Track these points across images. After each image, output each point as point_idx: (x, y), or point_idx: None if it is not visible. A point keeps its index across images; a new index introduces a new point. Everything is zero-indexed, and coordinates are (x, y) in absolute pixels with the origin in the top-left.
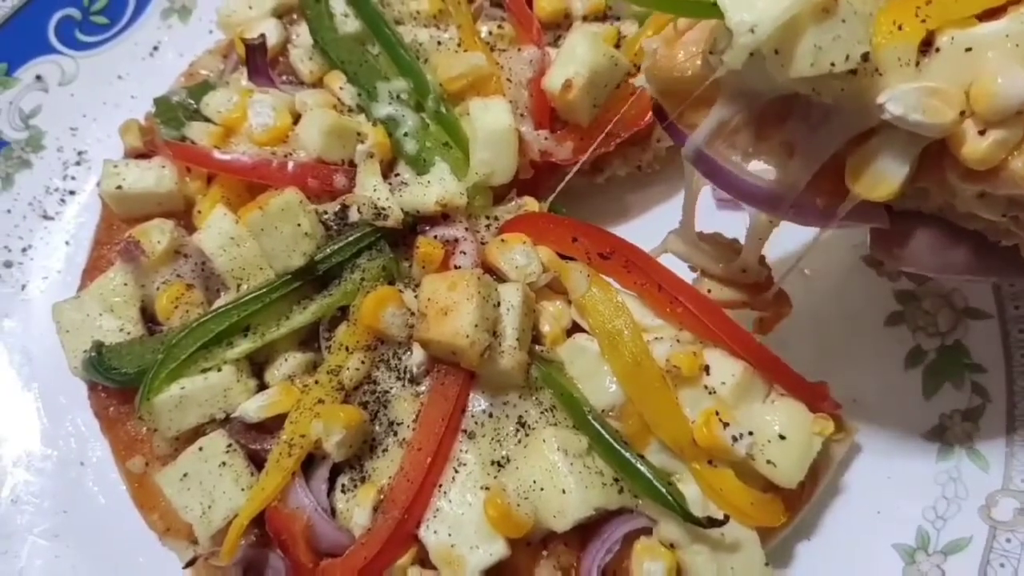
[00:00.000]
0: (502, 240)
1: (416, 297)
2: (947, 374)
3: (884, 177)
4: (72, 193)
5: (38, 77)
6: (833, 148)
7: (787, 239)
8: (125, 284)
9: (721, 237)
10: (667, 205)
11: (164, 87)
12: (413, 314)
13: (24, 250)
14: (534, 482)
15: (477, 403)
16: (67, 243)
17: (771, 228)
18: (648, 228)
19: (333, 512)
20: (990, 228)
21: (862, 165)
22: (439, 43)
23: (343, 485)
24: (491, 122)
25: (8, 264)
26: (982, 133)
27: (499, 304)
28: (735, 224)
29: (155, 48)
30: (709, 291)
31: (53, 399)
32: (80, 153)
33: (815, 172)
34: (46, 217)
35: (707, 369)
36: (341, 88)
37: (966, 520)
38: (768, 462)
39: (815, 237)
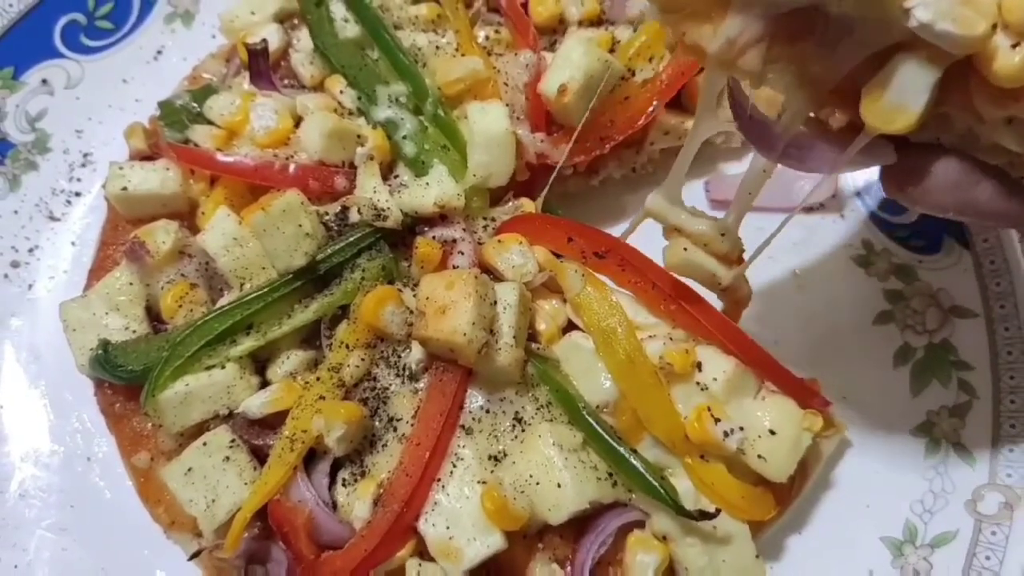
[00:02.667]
0: (499, 240)
1: (415, 296)
2: (934, 372)
3: (903, 105)
4: (78, 195)
5: (44, 81)
6: (848, 67)
7: (763, 230)
8: (130, 283)
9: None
10: None
11: (168, 91)
12: (412, 312)
13: (31, 250)
14: (530, 476)
15: (474, 399)
16: (73, 244)
17: (764, 180)
18: (642, 229)
19: (334, 506)
20: (1015, 162)
21: (879, 93)
22: (437, 48)
23: (344, 479)
24: (488, 125)
25: (15, 264)
26: (1015, 47)
27: (496, 303)
28: None
29: (159, 52)
30: (685, 249)
31: (59, 396)
32: (86, 155)
33: (824, 103)
34: (52, 218)
35: (699, 366)
36: (341, 92)
37: (953, 514)
38: (759, 457)
39: (784, 221)
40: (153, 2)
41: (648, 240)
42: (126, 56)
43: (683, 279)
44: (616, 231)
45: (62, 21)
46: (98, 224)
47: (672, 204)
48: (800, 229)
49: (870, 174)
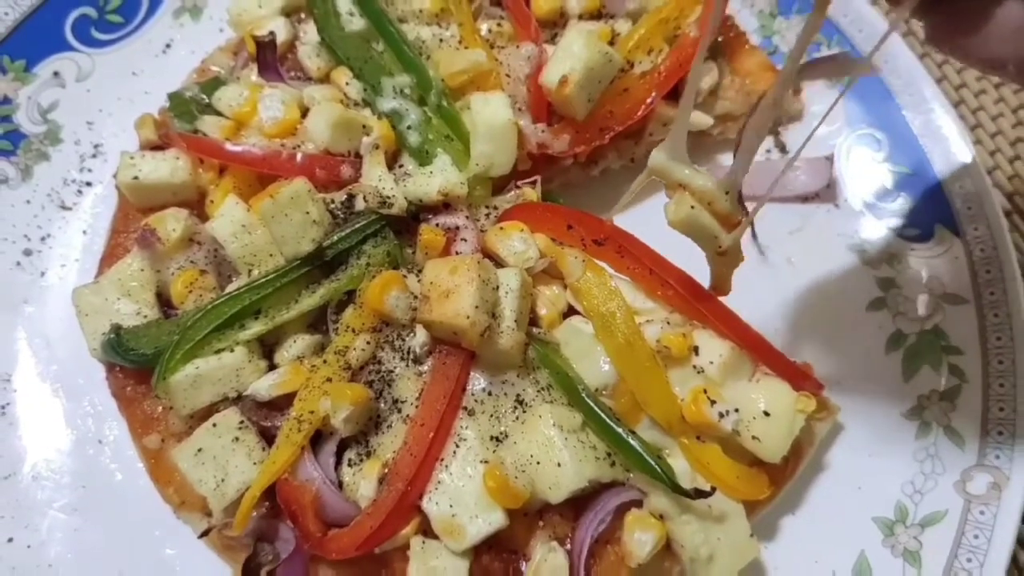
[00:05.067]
0: (501, 228)
1: (419, 281)
2: (926, 357)
3: None
4: (88, 184)
5: (56, 73)
6: None
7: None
8: (142, 270)
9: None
10: (659, 196)
11: (176, 83)
12: (416, 297)
13: (43, 239)
14: (531, 456)
15: (477, 382)
16: (84, 232)
17: (771, 117)
18: (641, 217)
19: (340, 485)
20: None
21: None
22: (441, 40)
23: (350, 459)
24: (491, 116)
25: (28, 252)
26: None
27: (498, 288)
28: None
29: (168, 46)
30: (692, 207)
31: (71, 381)
32: (96, 146)
33: None
34: (64, 207)
35: (696, 349)
36: (347, 83)
37: (942, 494)
38: (753, 437)
39: (787, 164)
40: None
41: (647, 229)
42: (135, 49)
43: (673, 263)
44: (616, 220)
45: (73, 15)
46: (108, 213)
47: (676, 160)
48: (795, 218)
49: (864, 168)
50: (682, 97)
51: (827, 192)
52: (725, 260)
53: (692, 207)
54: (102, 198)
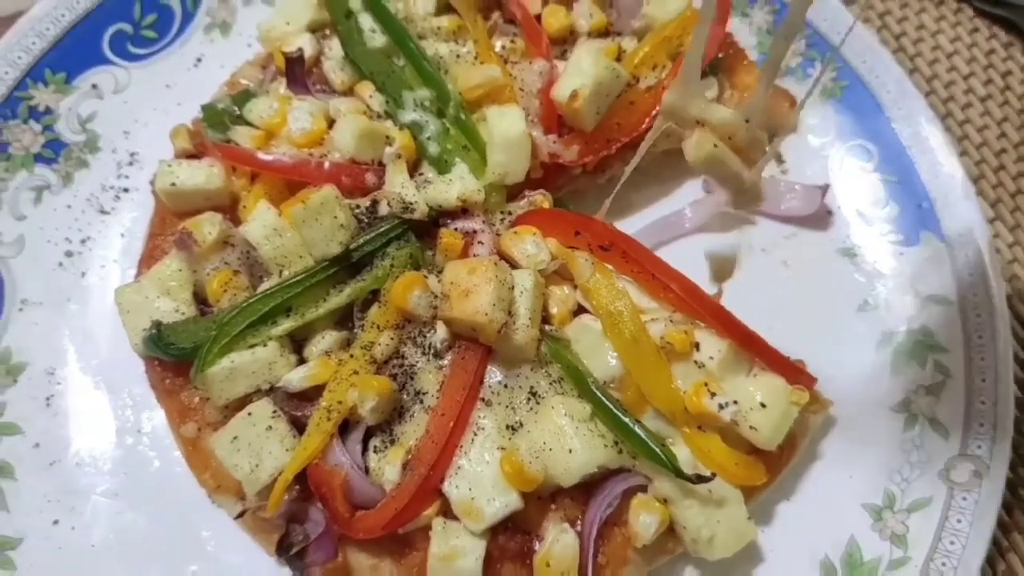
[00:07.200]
0: (515, 232)
1: (440, 281)
2: (913, 354)
3: None
4: (126, 190)
5: (94, 85)
6: None
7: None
8: (179, 270)
9: None
10: (663, 203)
11: (207, 95)
12: (437, 296)
13: (83, 241)
14: (544, 443)
15: (494, 375)
16: (122, 235)
17: (791, 41)
18: (645, 223)
19: (367, 470)
20: None
21: None
22: (458, 56)
23: (375, 446)
24: (506, 128)
25: (69, 254)
26: None
27: (513, 287)
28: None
29: (199, 60)
30: (716, 146)
31: (112, 374)
32: (132, 154)
33: None
34: (103, 212)
35: (697, 346)
36: (371, 96)
37: (928, 482)
38: (751, 427)
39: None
40: (193, 13)
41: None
42: (169, 63)
43: (675, 268)
44: (622, 225)
45: (110, 30)
46: (145, 217)
47: (691, 97)
48: (791, 224)
49: (855, 177)
50: (694, 35)
51: (813, 218)
52: (745, 199)
53: (716, 146)
54: (138, 203)
